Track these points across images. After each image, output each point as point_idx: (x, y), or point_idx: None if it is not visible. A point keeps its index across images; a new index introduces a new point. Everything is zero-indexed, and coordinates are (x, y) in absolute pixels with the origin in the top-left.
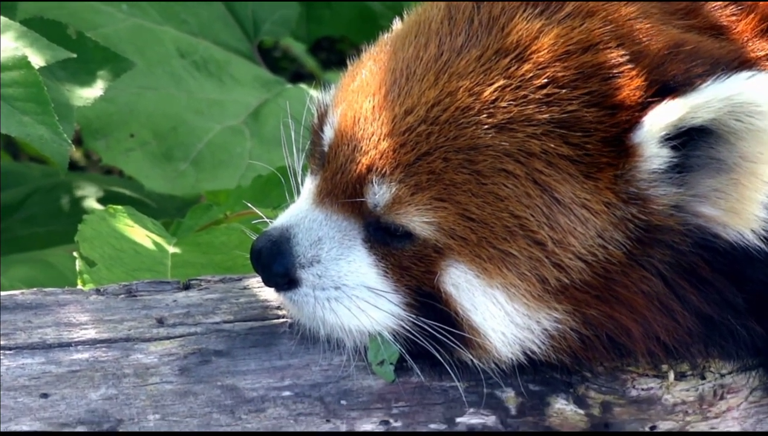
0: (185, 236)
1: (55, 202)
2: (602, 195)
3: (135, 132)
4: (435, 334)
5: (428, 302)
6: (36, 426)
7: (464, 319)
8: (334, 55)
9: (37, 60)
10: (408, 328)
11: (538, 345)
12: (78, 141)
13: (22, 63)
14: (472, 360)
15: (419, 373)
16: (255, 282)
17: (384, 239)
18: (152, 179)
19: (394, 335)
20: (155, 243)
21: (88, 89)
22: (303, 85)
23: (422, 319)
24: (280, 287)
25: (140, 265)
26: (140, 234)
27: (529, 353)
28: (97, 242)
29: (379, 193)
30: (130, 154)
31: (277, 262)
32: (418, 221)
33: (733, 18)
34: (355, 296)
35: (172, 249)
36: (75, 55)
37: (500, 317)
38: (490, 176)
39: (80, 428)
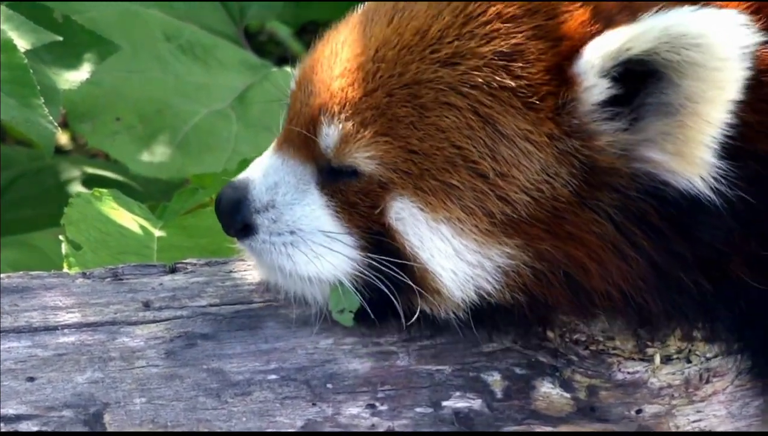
0: (171, 219)
1: (42, 186)
2: (544, 126)
3: (121, 115)
4: (390, 274)
5: (380, 242)
6: (22, 409)
7: (413, 257)
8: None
9: (22, 43)
10: (363, 270)
11: (492, 284)
12: (64, 124)
13: (8, 46)
14: (429, 307)
15: (376, 321)
16: (241, 265)
17: (335, 179)
18: (138, 163)
19: (353, 283)
20: (141, 226)
21: (74, 72)
22: (289, 69)
23: (374, 256)
24: (239, 235)
25: (126, 248)
26: (126, 217)
27: (483, 293)
28: (83, 225)
29: (329, 134)
30: (116, 138)
31: (234, 207)
32: (362, 157)
33: (721, 3)
34: (310, 241)
35: (157, 232)
36: (61, 39)
37: (448, 252)
38: (432, 109)
39: (66, 412)
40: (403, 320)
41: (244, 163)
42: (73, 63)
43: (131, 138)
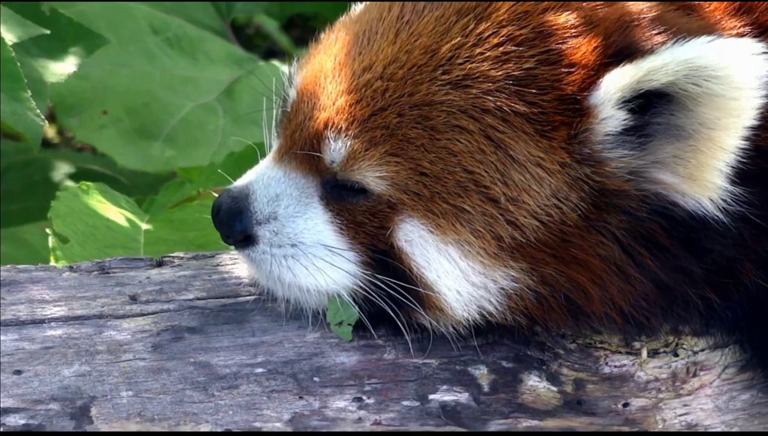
0: (158, 212)
1: (29, 179)
2: (556, 154)
3: (108, 109)
4: (391, 293)
5: (384, 260)
6: (9, 403)
7: (418, 277)
8: (307, 32)
9: (10, 36)
10: (364, 286)
11: (495, 305)
12: (51, 118)
13: None
14: (429, 322)
15: (374, 334)
16: (228, 259)
17: (340, 195)
18: (125, 156)
19: (352, 296)
20: (128, 220)
21: (62, 65)
22: (276, 62)
23: (378, 276)
24: (238, 245)
25: (113, 241)
26: (113, 211)
27: (485, 313)
28: (70, 218)
29: (335, 149)
30: (104, 131)
31: (234, 218)
32: (372, 176)
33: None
34: (311, 254)
35: (144, 226)
36: (48, 32)
37: (455, 274)
38: (443, 132)
39: (53, 405)
40: (407, 334)
41: (231, 157)
42: (60, 56)
43: (118, 131)
